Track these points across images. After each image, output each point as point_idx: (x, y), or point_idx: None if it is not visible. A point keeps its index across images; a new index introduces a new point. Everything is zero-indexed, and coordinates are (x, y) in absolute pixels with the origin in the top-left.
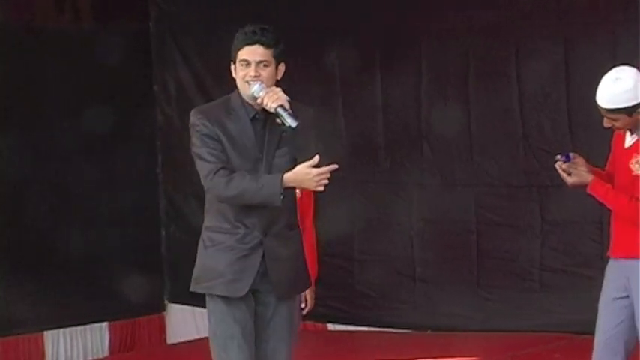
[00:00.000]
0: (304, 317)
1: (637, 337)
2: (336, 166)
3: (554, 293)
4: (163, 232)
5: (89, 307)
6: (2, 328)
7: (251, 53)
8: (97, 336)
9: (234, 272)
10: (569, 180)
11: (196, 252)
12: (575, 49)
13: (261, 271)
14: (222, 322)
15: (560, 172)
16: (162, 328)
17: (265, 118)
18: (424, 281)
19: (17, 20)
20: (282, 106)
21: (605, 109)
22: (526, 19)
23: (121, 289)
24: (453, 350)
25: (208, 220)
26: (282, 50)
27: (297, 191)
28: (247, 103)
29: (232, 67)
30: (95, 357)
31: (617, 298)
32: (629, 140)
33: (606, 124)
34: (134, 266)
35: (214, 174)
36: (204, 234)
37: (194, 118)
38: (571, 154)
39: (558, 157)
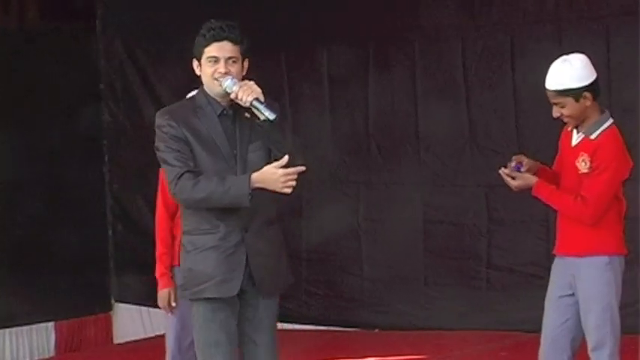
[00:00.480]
0: None
1: (583, 335)
2: (303, 168)
3: (501, 292)
4: (110, 232)
5: (35, 307)
6: None
7: (220, 49)
8: (42, 336)
9: (223, 273)
10: (514, 184)
11: (143, 251)
12: (521, 49)
13: (247, 272)
14: (207, 328)
15: (505, 177)
16: (108, 328)
17: (234, 113)
18: (371, 280)
19: None
20: (257, 99)
21: (553, 91)
22: (471, 20)
23: (67, 288)
24: (401, 349)
25: (186, 224)
26: (248, 46)
27: None
28: (213, 99)
29: (195, 64)
30: (41, 357)
31: (563, 296)
32: (576, 138)
33: (555, 112)
34: (80, 265)
35: (179, 178)
36: (184, 239)
37: (160, 119)
38: (523, 165)
39: (503, 169)
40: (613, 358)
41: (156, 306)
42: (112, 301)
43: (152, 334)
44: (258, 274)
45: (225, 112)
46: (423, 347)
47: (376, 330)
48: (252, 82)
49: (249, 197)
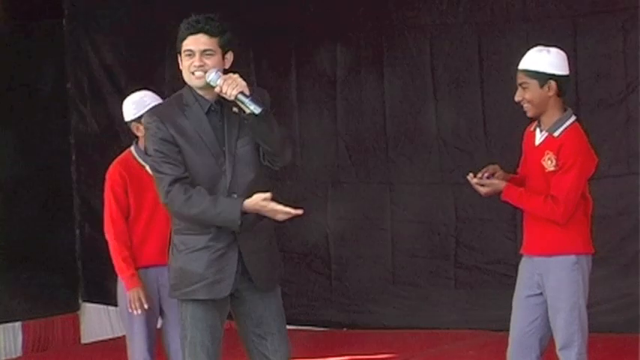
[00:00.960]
0: None
1: (551, 334)
2: (300, 212)
3: (469, 290)
4: (77, 231)
5: (2, 307)
6: None
7: (195, 42)
8: (10, 336)
9: (214, 273)
10: (483, 190)
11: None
12: (488, 48)
13: (240, 270)
14: (195, 327)
15: (473, 184)
16: (76, 328)
17: (222, 108)
18: (340, 279)
19: None
20: (242, 92)
21: (522, 70)
22: (438, 18)
23: (34, 288)
24: (369, 348)
25: (177, 223)
26: (229, 39)
27: None
28: (200, 96)
29: (179, 59)
30: (8, 357)
31: (531, 296)
32: (540, 137)
33: (517, 95)
34: (48, 265)
35: (170, 186)
36: (175, 238)
37: (148, 120)
38: (494, 177)
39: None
40: (581, 357)
41: None
42: (80, 300)
43: (120, 334)
44: (254, 272)
45: (212, 108)
46: (391, 346)
47: (345, 329)
48: (236, 75)
49: (240, 222)
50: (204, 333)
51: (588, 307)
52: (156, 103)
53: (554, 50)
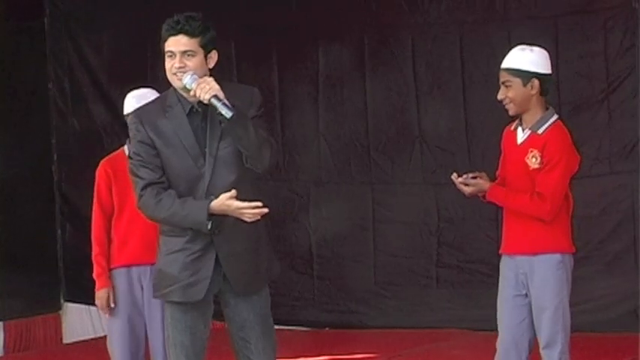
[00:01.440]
0: None
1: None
2: (259, 203)
3: (451, 290)
4: (59, 231)
5: None
6: None
7: (175, 43)
8: None
9: (188, 276)
10: (467, 190)
11: (92, 251)
12: (470, 48)
13: (219, 273)
14: (174, 328)
15: (457, 184)
16: (58, 328)
17: (204, 110)
18: (322, 278)
19: None
20: (215, 96)
21: (505, 69)
22: (420, 16)
23: (16, 288)
24: (351, 347)
25: (162, 224)
26: (211, 38)
27: None
28: (183, 97)
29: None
30: None
31: (517, 296)
32: (522, 136)
33: (500, 94)
34: (29, 265)
35: (142, 190)
36: (160, 238)
37: (130, 122)
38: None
39: (455, 175)
40: (564, 356)
41: None
42: (62, 300)
43: (101, 334)
44: (231, 275)
45: (194, 109)
46: (373, 346)
47: (326, 329)
48: (210, 79)
49: (208, 224)
50: (183, 334)
51: (570, 306)
52: None
53: (537, 49)
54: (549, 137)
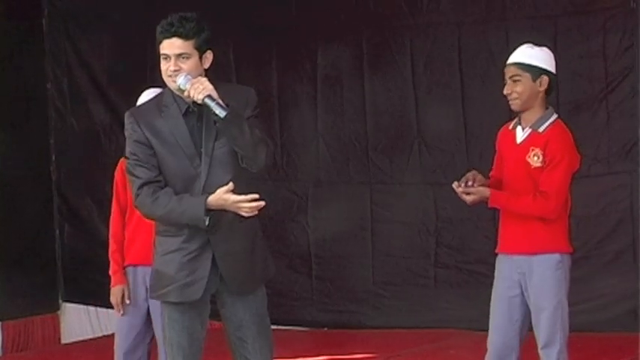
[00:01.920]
0: None
1: (525, 334)
2: (256, 196)
3: (449, 290)
4: (57, 231)
5: None
6: None
7: (169, 46)
8: None
9: (185, 276)
10: (469, 199)
11: (91, 251)
12: (468, 48)
13: (216, 273)
14: (172, 329)
15: (459, 193)
16: (56, 328)
17: (200, 110)
18: (320, 279)
19: None
20: (209, 96)
21: (514, 63)
22: (419, 17)
23: (14, 288)
24: (349, 347)
25: (158, 224)
26: (206, 39)
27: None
28: (179, 97)
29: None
30: None
31: (512, 296)
32: (522, 135)
33: (507, 89)
34: (28, 265)
35: (139, 189)
36: (156, 239)
37: (126, 121)
38: (476, 182)
39: (456, 184)
40: (562, 355)
41: (104, 306)
42: (60, 300)
43: (100, 334)
44: (227, 275)
45: (190, 109)
46: (371, 346)
47: (325, 329)
48: (204, 79)
49: (206, 220)
50: (180, 334)
51: (569, 306)
52: None
53: (545, 49)
54: (551, 135)
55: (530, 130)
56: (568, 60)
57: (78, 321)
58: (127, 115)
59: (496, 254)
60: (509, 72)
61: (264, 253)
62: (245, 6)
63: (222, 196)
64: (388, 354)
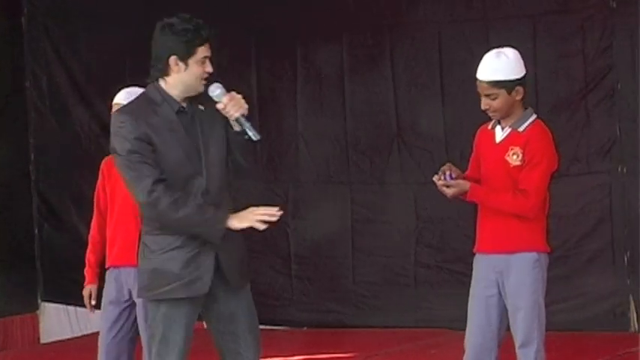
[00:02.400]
0: None
1: (504, 334)
2: (277, 209)
3: (429, 289)
4: (36, 231)
5: None
6: None
7: (207, 50)
8: None
9: (191, 272)
10: (449, 192)
11: (70, 250)
12: (448, 47)
13: (214, 267)
14: (169, 327)
15: (439, 186)
16: (35, 328)
17: (191, 111)
18: (300, 278)
19: None
20: (244, 115)
21: (487, 82)
22: (399, 16)
23: None
24: (329, 347)
25: (146, 224)
26: None
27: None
28: (169, 96)
29: (173, 62)
30: None
31: (490, 296)
32: (502, 134)
33: (484, 105)
34: (6, 265)
35: (154, 185)
36: (146, 239)
37: (119, 118)
38: (453, 173)
39: (436, 177)
40: (539, 355)
41: (83, 305)
42: (39, 300)
43: (79, 334)
44: (228, 269)
45: (182, 109)
46: (351, 345)
47: (305, 328)
48: (239, 96)
49: (219, 239)
50: (177, 332)
51: (546, 305)
52: None
53: (509, 52)
54: (531, 135)
55: (509, 130)
56: (547, 59)
57: (57, 321)
58: (120, 112)
59: (474, 254)
60: (483, 89)
61: (246, 254)
62: (224, 6)
63: (251, 209)
64: (368, 353)
